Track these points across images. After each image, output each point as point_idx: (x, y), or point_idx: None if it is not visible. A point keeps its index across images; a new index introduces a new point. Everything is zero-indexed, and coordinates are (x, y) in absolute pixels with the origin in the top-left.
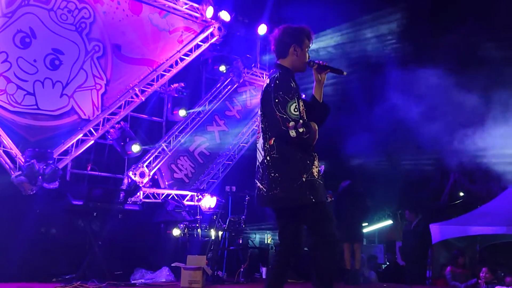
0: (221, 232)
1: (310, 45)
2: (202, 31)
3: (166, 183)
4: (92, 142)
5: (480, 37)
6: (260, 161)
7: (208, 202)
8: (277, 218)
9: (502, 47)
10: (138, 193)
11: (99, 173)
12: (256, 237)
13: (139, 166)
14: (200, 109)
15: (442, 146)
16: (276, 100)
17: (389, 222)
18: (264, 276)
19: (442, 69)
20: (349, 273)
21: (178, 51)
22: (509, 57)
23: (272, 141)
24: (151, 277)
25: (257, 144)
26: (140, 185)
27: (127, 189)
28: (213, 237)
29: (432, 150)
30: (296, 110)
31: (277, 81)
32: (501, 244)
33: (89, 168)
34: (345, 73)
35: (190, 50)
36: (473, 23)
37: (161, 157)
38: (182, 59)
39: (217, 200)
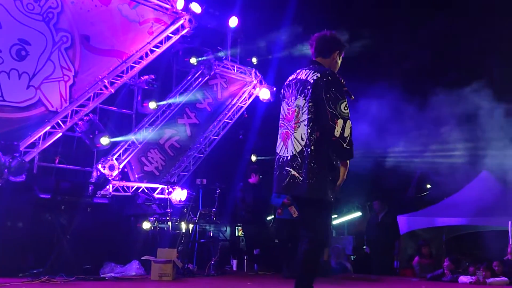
0: (192, 225)
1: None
2: (172, 23)
3: (136, 176)
4: (60, 134)
5: None
6: (298, 150)
7: (179, 195)
8: (307, 211)
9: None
10: (108, 186)
11: (67, 166)
12: (227, 230)
13: (109, 159)
14: (170, 101)
15: (409, 140)
16: (328, 95)
17: (358, 214)
18: (234, 269)
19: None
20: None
21: (148, 43)
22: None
23: (319, 134)
24: (121, 271)
25: (295, 134)
26: (110, 178)
27: (96, 182)
28: (183, 230)
29: (399, 143)
30: (346, 108)
31: (329, 77)
32: (466, 235)
33: (57, 161)
34: (352, 97)
35: (161, 42)
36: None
37: (131, 150)
38: (152, 51)
39: (187, 193)
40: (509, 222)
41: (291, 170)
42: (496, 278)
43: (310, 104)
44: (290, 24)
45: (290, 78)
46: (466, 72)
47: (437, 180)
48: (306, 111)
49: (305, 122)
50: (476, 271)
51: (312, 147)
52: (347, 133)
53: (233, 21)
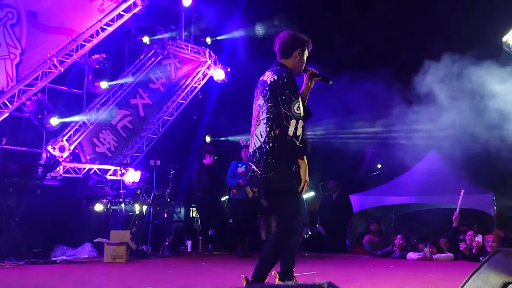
0: (146, 207)
1: (307, 55)
2: (124, 1)
3: (88, 157)
4: (6, 114)
5: None
6: (257, 146)
7: (132, 176)
8: (271, 202)
9: None
10: (58, 168)
11: (15, 148)
12: (182, 211)
13: (59, 140)
14: (122, 81)
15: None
16: (283, 97)
17: (311, 193)
18: (189, 249)
19: None
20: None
21: (99, 21)
22: None
23: (278, 132)
24: (73, 254)
25: (255, 131)
26: (60, 160)
27: (46, 164)
28: (137, 212)
29: (352, 123)
30: (298, 109)
31: (285, 80)
32: (414, 213)
33: (3, 142)
34: (331, 82)
35: (112, 20)
36: None
37: (82, 130)
38: (103, 29)
39: (141, 174)
40: (462, 191)
41: (252, 164)
42: (442, 254)
43: (269, 104)
44: (245, 4)
45: (260, 78)
46: (415, 55)
47: (387, 160)
48: (266, 110)
49: (264, 121)
50: (424, 247)
51: (270, 144)
52: (299, 132)
53: (187, 0)
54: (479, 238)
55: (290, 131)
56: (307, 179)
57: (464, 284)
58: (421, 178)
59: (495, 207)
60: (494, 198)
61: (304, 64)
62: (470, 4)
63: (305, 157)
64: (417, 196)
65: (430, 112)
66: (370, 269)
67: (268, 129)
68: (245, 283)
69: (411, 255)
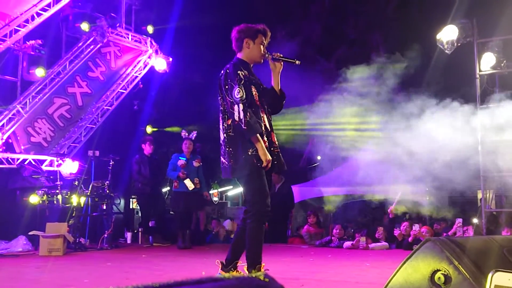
0: (84, 198)
1: (265, 41)
2: None
3: (22, 147)
4: None
5: None
6: (221, 139)
7: (69, 167)
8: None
9: None
10: None
11: None
12: (121, 202)
13: None
14: (59, 69)
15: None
16: (226, 87)
17: None
18: (129, 241)
19: None
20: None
21: (35, 5)
22: None
23: (230, 122)
24: (6, 247)
25: (219, 126)
26: None
27: None
28: (75, 204)
29: (292, 116)
30: (238, 93)
31: (228, 71)
32: (352, 203)
33: None
34: (298, 62)
35: (48, 5)
36: None
37: (16, 119)
38: (39, 14)
39: (79, 165)
40: (399, 192)
41: (221, 158)
42: (378, 243)
43: (220, 97)
44: None
45: None
46: (355, 48)
47: (327, 152)
48: (220, 105)
49: (221, 115)
50: (359, 236)
51: (225, 134)
52: (242, 115)
53: None
54: (416, 227)
55: (236, 116)
56: (269, 157)
57: (396, 272)
58: (359, 169)
59: (427, 198)
60: (427, 189)
61: (263, 51)
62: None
63: (259, 136)
64: (355, 187)
65: (370, 104)
66: (309, 259)
67: (222, 121)
68: (220, 267)
69: (348, 244)
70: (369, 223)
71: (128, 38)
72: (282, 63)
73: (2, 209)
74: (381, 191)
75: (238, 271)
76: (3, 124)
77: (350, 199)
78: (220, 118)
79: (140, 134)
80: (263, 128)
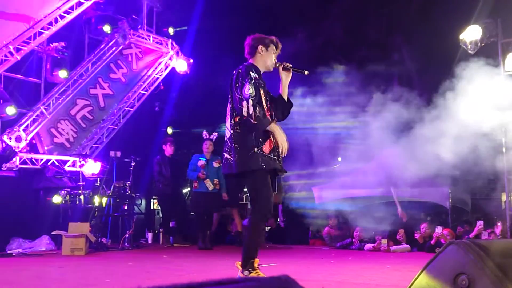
0: (106, 198)
1: (277, 51)
2: None
3: (46, 148)
4: None
5: None
6: (227, 136)
7: (92, 168)
8: (246, 184)
9: None
10: (14, 159)
11: None
12: (142, 203)
13: (15, 130)
14: (82, 70)
15: (320, 114)
16: (237, 85)
17: None
18: (149, 242)
19: None
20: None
21: (58, 8)
22: None
23: (238, 119)
24: (30, 246)
25: (226, 124)
26: (16, 150)
27: (2, 155)
28: (96, 204)
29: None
30: (248, 90)
31: (240, 71)
32: (373, 205)
33: None
34: (306, 72)
35: (72, 8)
36: None
37: (39, 120)
38: (62, 17)
39: (101, 165)
40: (392, 189)
41: (224, 153)
42: (399, 246)
43: (229, 96)
44: None
45: None
46: (375, 49)
47: (347, 153)
48: (228, 103)
49: (229, 112)
50: (381, 238)
51: (232, 131)
52: (251, 110)
53: None
54: (438, 229)
55: (245, 112)
56: (283, 143)
57: (418, 275)
58: (379, 172)
59: (450, 200)
60: (449, 191)
61: (274, 60)
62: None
63: (272, 125)
64: (375, 189)
65: (392, 105)
66: (330, 261)
67: (229, 118)
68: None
69: (369, 246)
70: (390, 225)
71: (149, 40)
72: (291, 72)
73: (26, 209)
74: (404, 193)
75: (258, 270)
76: (27, 125)
77: (371, 200)
78: (228, 115)
79: (161, 135)
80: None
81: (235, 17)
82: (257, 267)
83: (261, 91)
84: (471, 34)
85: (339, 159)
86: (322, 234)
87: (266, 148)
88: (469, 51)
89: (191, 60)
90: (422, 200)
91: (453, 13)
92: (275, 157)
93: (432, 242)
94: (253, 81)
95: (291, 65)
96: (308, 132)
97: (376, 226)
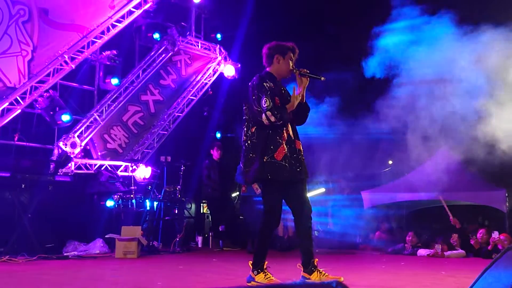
0: (156, 203)
1: (294, 57)
2: None
3: (99, 153)
4: (19, 111)
5: None
6: (244, 146)
7: (143, 172)
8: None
9: None
10: (70, 164)
11: (27, 144)
12: (192, 207)
13: (70, 136)
14: (133, 77)
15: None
16: (254, 97)
17: (321, 190)
18: (200, 245)
19: None
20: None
21: (110, 17)
22: None
23: (254, 129)
24: (85, 249)
25: (243, 133)
26: (72, 156)
27: (58, 160)
28: (148, 208)
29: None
30: (265, 103)
31: (254, 83)
32: (425, 210)
33: (16, 139)
34: (323, 78)
35: (123, 17)
36: None
37: (93, 127)
38: (114, 26)
39: (152, 170)
40: (440, 196)
41: (240, 163)
42: (454, 251)
43: (245, 107)
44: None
45: None
46: None
47: (398, 156)
48: (244, 113)
49: (245, 122)
50: (435, 244)
51: (249, 141)
52: (272, 119)
53: None
54: (495, 234)
55: (266, 121)
56: (297, 97)
57: (475, 282)
58: (432, 175)
59: (507, 204)
60: (506, 194)
61: (292, 66)
62: None
63: (291, 102)
64: (428, 193)
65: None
66: (381, 266)
67: (245, 129)
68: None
69: (422, 251)
70: (444, 230)
71: (197, 46)
72: (308, 78)
73: (80, 213)
74: (457, 197)
75: (319, 270)
76: (82, 131)
77: (424, 204)
78: (244, 126)
79: (209, 139)
80: (285, 136)
81: (281, 21)
82: (266, 269)
83: (276, 99)
84: None
85: (390, 162)
86: (373, 239)
87: (279, 155)
88: None
89: (239, 65)
90: (477, 203)
91: None
92: (287, 164)
93: (489, 247)
94: (269, 92)
95: (308, 71)
96: (355, 134)
97: (429, 230)
